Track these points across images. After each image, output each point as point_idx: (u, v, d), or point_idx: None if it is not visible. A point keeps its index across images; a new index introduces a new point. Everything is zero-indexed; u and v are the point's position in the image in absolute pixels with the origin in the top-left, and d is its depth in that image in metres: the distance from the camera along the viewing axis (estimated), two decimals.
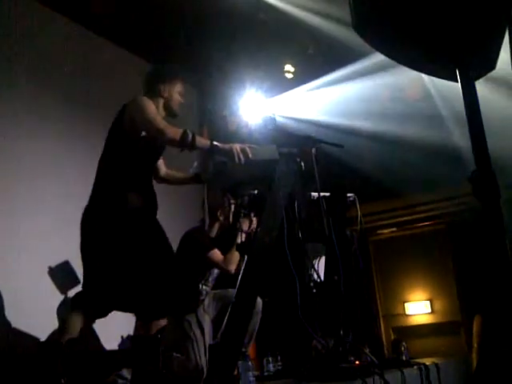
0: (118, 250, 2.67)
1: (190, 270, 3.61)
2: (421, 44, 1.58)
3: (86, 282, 2.78)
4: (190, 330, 3.48)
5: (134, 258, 2.67)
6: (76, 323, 2.71)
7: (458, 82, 1.54)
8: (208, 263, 3.62)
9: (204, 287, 3.66)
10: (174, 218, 4.50)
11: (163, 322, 2.73)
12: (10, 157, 3.83)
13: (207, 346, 3.49)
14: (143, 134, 2.76)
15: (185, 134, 2.65)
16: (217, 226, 3.78)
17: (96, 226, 2.72)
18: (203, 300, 3.61)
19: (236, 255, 3.59)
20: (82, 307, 2.73)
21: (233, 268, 3.58)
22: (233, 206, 3.74)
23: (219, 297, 3.72)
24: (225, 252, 3.62)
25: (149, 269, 2.68)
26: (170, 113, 2.98)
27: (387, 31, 1.59)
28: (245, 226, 3.62)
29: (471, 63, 1.52)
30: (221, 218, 3.77)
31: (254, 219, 3.66)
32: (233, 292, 3.63)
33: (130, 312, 2.90)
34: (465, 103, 1.51)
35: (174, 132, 2.69)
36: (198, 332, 3.50)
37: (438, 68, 1.66)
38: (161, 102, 2.96)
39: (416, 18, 1.51)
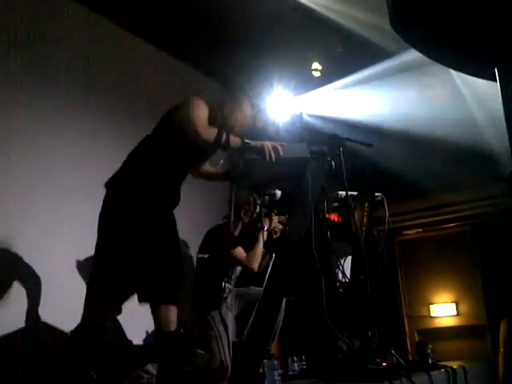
0: (126, 235, 2.71)
1: (214, 267, 3.63)
2: (458, 42, 1.55)
3: (95, 265, 2.82)
4: (213, 326, 3.50)
5: (138, 243, 2.70)
6: (94, 311, 2.75)
7: (494, 80, 1.51)
8: (231, 261, 3.63)
9: (227, 285, 3.67)
10: (198, 214, 4.53)
11: (173, 311, 2.69)
12: (41, 152, 3.88)
13: (230, 343, 3.50)
14: (188, 137, 2.78)
15: (219, 135, 2.69)
16: (240, 224, 3.80)
17: (111, 210, 2.77)
18: (226, 297, 3.62)
19: (259, 253, 3.60)
20: (95, 294, 2.77)
21: (256, 266, 3.60)
22: (258, 206, 3.76)
23: (241, 294, 3.73)
24: (248, 250, 3.63)
25: (153, 253, 2.69)
26: (224, 129, 2.87)
27: (425, 28, 1.57)
28: (266, 225, 3.64)
29: (510, 61, 1.49)
30: (244, 217, 3.78)
31: (275, 218, 3.67)
32: (255, 290, 3.64)
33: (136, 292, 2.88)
34: (503, 101, 1.48)
35: (208, 133, 2.74)
36: (221, 329, 3.51)
37: (475, 66, 1.63)
38: (219, 113, 2.93)
39: (454, 15, 1.49)
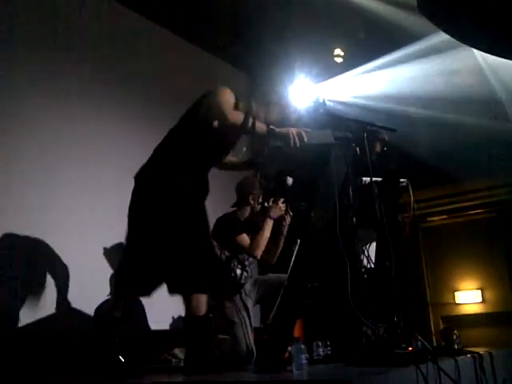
0: (159, 225, 2.75)
1: (224, 253, 3.65)
2: (488, 23, 1.54)
3: (126, 253, 2.86)
4: (235, 312, 3.54)
5: (175, 235, 2.73)
6: (122, 296, 2.80)
7: None
8: (235, 247, 3.65)
9: (244, 272, 3.69)
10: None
11: (204, 298, 2.74)
12: (73, 145, 3.95)
13: (252, 328, 3.54)
14: (215, 124, 2.81)
15: (246, 119, 2.71)
16: (248, 210, 3.79)
17: (144, 199, 2.81)
18: (244, 284, 3.66)
19: (262, 241, 3.57)
20: (125, 281, 2.81)
21: (258, 253, 3.58)
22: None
23: (260, 282, 3.77)
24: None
25: (186, 245, 2.73)
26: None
27: (453, 10, 1.56)
28: (273, 213, 3.63)
29: None
30: (252, 203, 3.77)
31: (282, 206, 3.67)
32: (274, 276, 3.67)
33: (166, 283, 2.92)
34: None
35: (236, 117, 2.77)
36: (244, 314, 3.55)
37: (503, 47, 1.61)
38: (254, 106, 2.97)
39: None
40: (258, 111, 2.97)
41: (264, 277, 3.83)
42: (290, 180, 3.40)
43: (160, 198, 2.77)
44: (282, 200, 3.64)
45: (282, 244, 3.77)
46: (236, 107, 2.87)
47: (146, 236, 2.79)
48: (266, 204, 3.70)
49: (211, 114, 2.81)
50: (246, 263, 3.73)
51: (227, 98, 2.83)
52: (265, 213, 3.65)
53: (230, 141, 3.06)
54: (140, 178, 2.87)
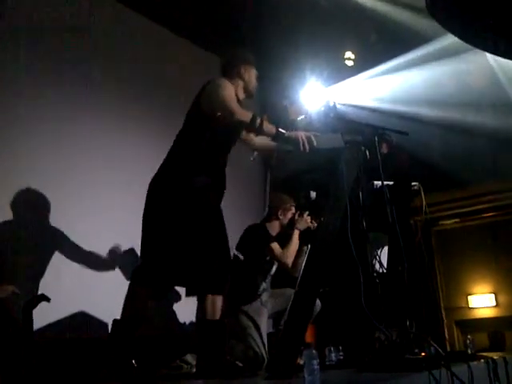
0: (175, 226, 2.76)
1: (250, 262, 3.68)
2: (496, 25, 1.53)
3: (143, 255, 2.86)
4: (248, 319, 3.59)
5: (187, 234, 2.74)
6: (137, 298, 2.79)
7: None
8: (267, 255, 3.71)
9: (262, 282, 3.74)
10: (237, 217, 4.49)
11: (219, 301, 2.74)
12: (83, 146, 3.96)
13: (265, 336, 3.55)
14: (219, 114, 2.82)
15: (254, 117, 2.73)
16: (277, 224, 3.84)
17: (158, 201, 2.82)
18: (260, 294, 3.70)
19: (292, 250, 3.73)
20: (141, 281, 2.81)
21: (290, 261, 3.72)
22: (293, 207, 3.83)
23: (277, 295, 3.81)
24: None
25: (200, 244, 2.74)
26: (248, 94, 3.10)
27: (462, 13, 1.54)
28: (300, 226, 3.77)
29: None
30: (281, 217, 3.84)
31: (308, 218, 3.79)
32: (291, 291, 3.69)
33: (183, 285, 2.93)
34: None
35: (244, 114, 2.78)
36: (258, 322, 3.59)
37: None
38: (241, 83, 3.06)
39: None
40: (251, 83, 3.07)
41: (281, 290, 3.87)
42: (313, 194, 3.45)
43: (173, 197, 2.77)
44: (307, 213, 3.79)
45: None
46: (237, 100, 2.91)
47: (161, 237, 2.79)
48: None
49: (214, 106, 2.82)
50: (267, 274, 3.77)
51: (229, 91, 2.84)
52: (292, 225, 3.80)
53: (236, 129, 3.04)
54: (153, 180, 2.87)
